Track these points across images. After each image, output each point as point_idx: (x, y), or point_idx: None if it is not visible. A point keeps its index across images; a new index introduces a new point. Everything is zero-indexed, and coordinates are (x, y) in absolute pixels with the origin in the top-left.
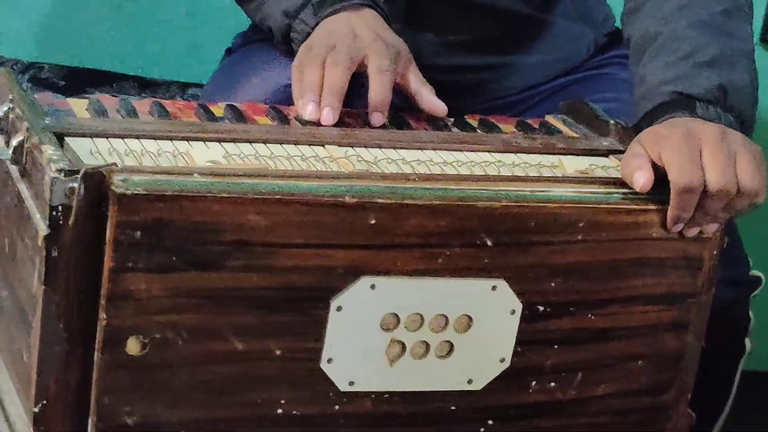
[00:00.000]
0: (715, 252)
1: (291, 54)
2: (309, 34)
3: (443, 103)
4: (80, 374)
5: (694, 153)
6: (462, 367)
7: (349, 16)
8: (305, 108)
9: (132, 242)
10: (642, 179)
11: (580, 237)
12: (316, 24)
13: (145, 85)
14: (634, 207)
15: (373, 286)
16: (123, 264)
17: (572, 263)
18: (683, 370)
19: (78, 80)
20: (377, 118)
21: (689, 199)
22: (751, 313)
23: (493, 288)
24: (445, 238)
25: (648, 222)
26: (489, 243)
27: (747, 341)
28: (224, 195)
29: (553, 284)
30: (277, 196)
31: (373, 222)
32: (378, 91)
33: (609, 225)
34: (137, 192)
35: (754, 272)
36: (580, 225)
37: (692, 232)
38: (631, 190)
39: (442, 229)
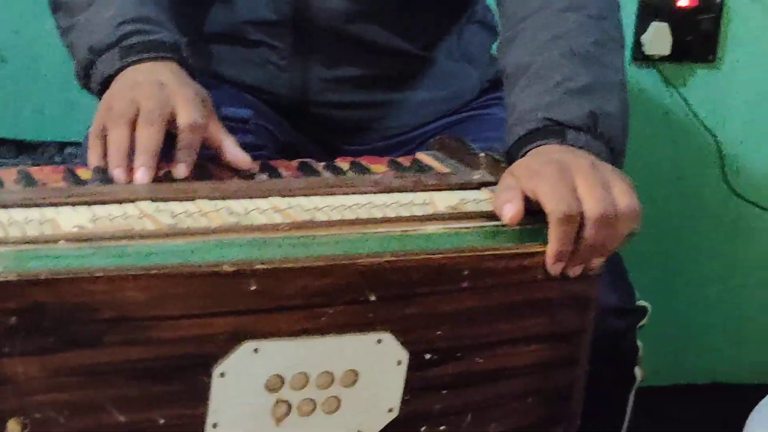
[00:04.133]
0: (598, 287)
1: (88, 89)
2: (111, 77)
3: (247, 155)
4: None
5: (569, 184)
6: (350, 420)
7: (155, 66)
8: (112, 172)
9: (7, 328)
10: (511, 211)
11: (465, 284)
12: (120, 68)
13: (22, 148)
14: (519, 252)
15: (256, 350)
16: None
17: (458, 310)
18: (572, 403)
19: None
20: (182, 170)
21: (568, 230)
22: (639, 343)
23: (378, 341)
24: (327, 298)
25: (533, 265)
26: (372, 298)
27: (637, 370)
28: (99, 274)
29: (439, 332)
30: (153, 271)
31: (253, 288)
32: (188, 145)
33: (493, 271)
34: (9, 278)
35: (640, 302)
36: (465, 273)
37: (576, 270)
38: (502, 223)
39: (324, 288)
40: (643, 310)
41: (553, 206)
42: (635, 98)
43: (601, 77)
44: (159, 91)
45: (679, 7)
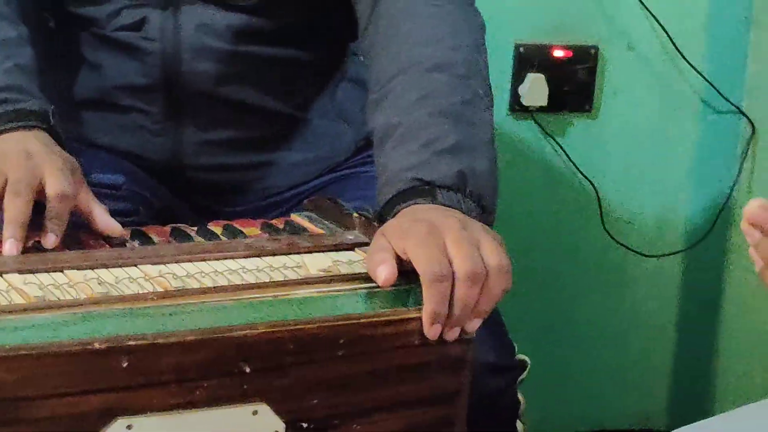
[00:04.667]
0: (474, 348)
1: None
2: None
3: (117, 223)
4: None
5: (439, 244)
6: None
7: (22, 136)
8: None
9: None
10: (384, 273)
11: (341, 353)
12: None
13: None
14: (395, 318)
15: (129, 427)
16: None
17: (334, 378)
18: None
19: None
20: (51, 239)
21: (441, 289)
22: (520, 397)
23: (254, 413)
24: (201, 371)
25: (409, 330)
26: (247, 369)
27: (519, 424)
28: None
29: (315, 401)
30: (22, 351)
31: (125, 365)
32: (57, 215)
33: (369, 338)
34: None
35: (520, 356)
36: (341, 342)
37: (453, 334)
38: (376, 285)
39: (197, 362)
40: (523, 365)
41: (425, 267)
42: (513, 149)
43: (470, 136)
44: (26, 161)
45: (555, 58)
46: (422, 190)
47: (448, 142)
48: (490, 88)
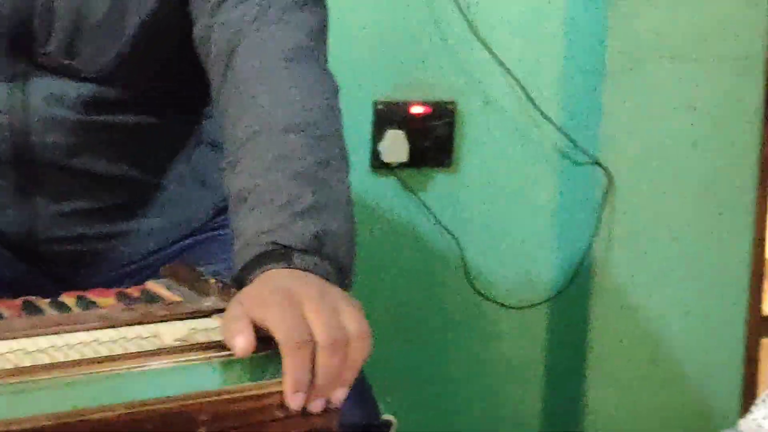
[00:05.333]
0: (339, 418)
1: None
2: None
3: None
4: None
5: (297, 313)
6: None
7: None
8: None
9: None
10: (241, 343)
11: (203, 430)
12: None
13: None
14: (257, 393)
15: None
16: None
17: None
18: None
19: None
20: None
21: (302, 356)
22: None
23: None
24: None
25: (273, 404)
26: None
27: None
28: None
29: None
30: None
31: None
32: None
33: (232, 413)
34: None
35: (385, 416)
36: (202, 419)
37: (318, 405)
38: (231, 353)
39: None
40: (388, 425)
41: (284, 335)
42: (375, 206)
43: (326, 197)
44: None
45: (414, 114)
46: (279, 254)
47: (303, 204)
48: (346, 148)
